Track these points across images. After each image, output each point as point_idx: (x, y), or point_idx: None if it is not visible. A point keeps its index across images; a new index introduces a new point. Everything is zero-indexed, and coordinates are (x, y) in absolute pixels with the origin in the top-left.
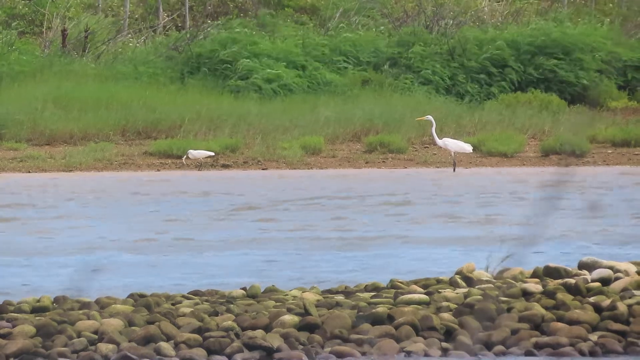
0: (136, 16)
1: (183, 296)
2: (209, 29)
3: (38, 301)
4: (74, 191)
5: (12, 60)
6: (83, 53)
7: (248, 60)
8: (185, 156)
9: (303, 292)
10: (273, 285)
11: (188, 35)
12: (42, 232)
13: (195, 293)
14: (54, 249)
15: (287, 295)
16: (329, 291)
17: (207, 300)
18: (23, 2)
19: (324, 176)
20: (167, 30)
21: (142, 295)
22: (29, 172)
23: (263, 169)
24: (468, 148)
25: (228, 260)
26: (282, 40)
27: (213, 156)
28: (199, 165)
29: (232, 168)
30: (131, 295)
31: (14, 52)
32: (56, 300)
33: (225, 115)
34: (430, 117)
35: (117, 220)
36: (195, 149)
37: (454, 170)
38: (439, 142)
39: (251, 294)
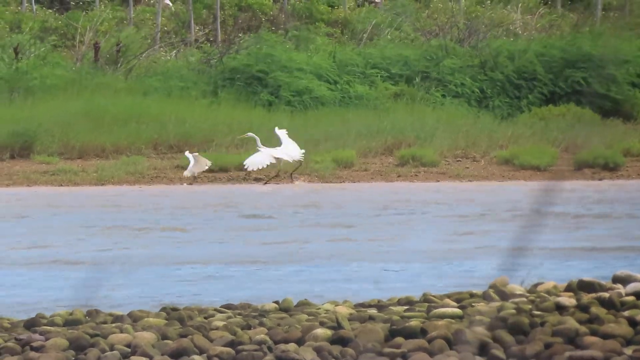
0: (168, 30)
1: (216, 309)
2: (240, 43)
3: (71, 314)
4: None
5: (44, 74)
6: (115, 67)
7: (280, 73)
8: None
9: (336, 305)
10: (306, 299)
11: (220, 49)
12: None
13: (228, 306)
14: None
15: (320, 308)
16: (362, 305)
17: (239, 314)
18: (55, 15)
19: (358, 189)
20: (198, 44)
21: (174, 309)
22: (61, 185)
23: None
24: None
25: (267, 273)
26: (314, 54)
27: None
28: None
29: (263, 181)
30: (164, 309)
31: (46, 65)
32: (89, 313)
33: (257, 128)
34: (251, 134)
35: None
36: (191, 153)
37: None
38: (261, 149)
39: (284, 308)
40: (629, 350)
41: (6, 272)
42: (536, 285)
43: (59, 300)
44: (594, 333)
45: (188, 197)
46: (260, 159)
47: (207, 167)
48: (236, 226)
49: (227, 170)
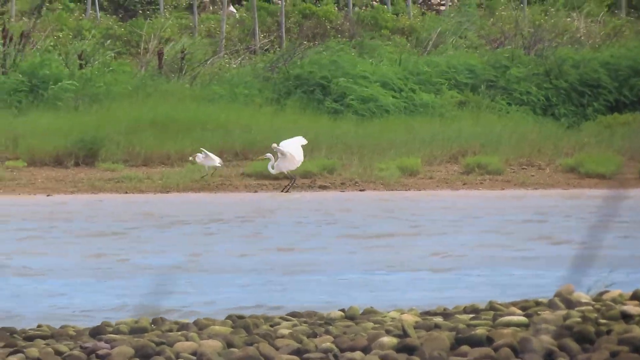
0: (232, 37)
1: (281, 317)
2: (305, 50)
3: (136, 322)
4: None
5: (108, 81)
6: (179, 74)
7: (345, 81)
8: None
9: (402, 313)
10: (371, 307)
11: (285, 57)
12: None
13: (294, 314)
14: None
15: (386, 316)
16: (428, 313)
17: (305, 322)
18: (119, 22)
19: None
20: (263, 52)
21: (240, 317)
22: (126, 192)
23: (360, 190)
24: (297, 159)
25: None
26: (379, 61)
27: (219, 167)
28: (205, 174)
29: (329, 189)
30: (230, 317)
31: (111, 73)
32: (154, 321)
33: (322, 136)
34: (269, 155)
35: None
36: (201, 153)
37: (287, 189)
38: (274, 172)
39: (350, 316)
40: None
41: (74, 280)
42: (602, 293)
43: (125, 307)
44: None
45: (259, 204)
46: (289, 163)
47: (219, 165)
48: (306, 232)
49: (295, 178)
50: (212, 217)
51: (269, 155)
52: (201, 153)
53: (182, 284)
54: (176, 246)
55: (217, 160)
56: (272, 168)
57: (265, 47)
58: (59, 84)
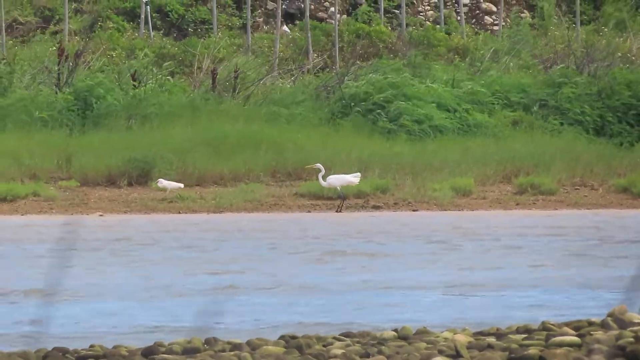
0: (286, 57)
1: (334, 337)
2: (358, 70)
3: (189, 342)
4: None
5: (162, 101)
6: (232, 93)
7: (400, 102)
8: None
9: (454, 333)
10: (424, 327)
11: (338, 76)
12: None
13: (347, 334)
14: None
15: (439, 336)
16: (481, 333)
17: (358, 342)
18: (173, 42)
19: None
20: (317, 71)
21: (293, 337)
22: (179, 212)
23: (414, 210)
24: (354, 180)
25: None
26: (432, 81)
27: (182, 188)
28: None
29: (382, 209)
30: (282, 337)
31: (164, 92)
32: (207, 341)
33: (375, 156)
34: (319, 165)
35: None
36: (166, 179)
37: (340, 209)
38: (324, 183)
39: (402, 336)
40: None
41: (127, 299)
42: None
43: (178, 328)
44: None
45: (315, 223)
46: (342, 179)
47: (178, 188)
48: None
49: (345, 198)
50: (265, 236)
51: (318, 165)
52: (164, 179)
53: (235, 304)
54: (229, 266)
55: (177, 185)
56: (323, 180)
57: (319, 67)
58: (112, 103)
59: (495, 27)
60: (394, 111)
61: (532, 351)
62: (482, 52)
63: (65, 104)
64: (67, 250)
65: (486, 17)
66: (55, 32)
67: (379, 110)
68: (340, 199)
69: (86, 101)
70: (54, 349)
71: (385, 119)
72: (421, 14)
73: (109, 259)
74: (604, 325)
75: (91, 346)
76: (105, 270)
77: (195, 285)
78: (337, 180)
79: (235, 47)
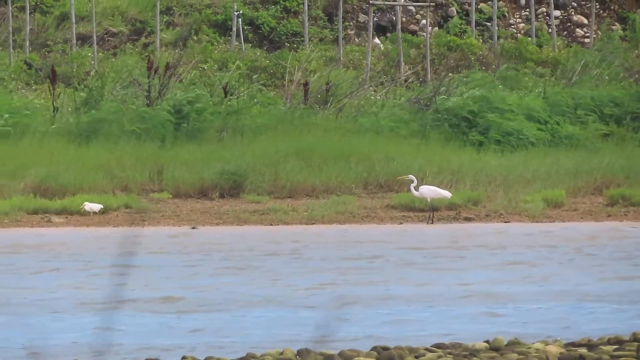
0: (377, 69)
1: (426, 349)
2: (450, 83)
3: (281, 354)
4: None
5: (253, 113)
6: (324, 106)
7: (491, 114)
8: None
9: (546, 344)
10: (516, 338)
11: (431, 89)
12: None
13: (439, 346)
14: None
15: (530, 348)
16: (572, 344)
17: (450, 353)
18: (264, 54)
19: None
20: (408, 84)
21: (385, 348)
22: (271, 224)
23: (505, 222)
24: (446, 194)
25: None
26: (524, 94)
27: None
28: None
29: (474, 221)
30: (374, 348)
31: (256, 105)
32: (299, 353)
33: (466, 168)
34: (411, 177)
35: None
36: (91, 202)
37: (431, 220)
38: (416, 193)
39: (494, 347)
40: None
41: (218, 311)
42: None
43: (268, 339)
44: None
45: (409, 235)
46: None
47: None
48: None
49: (436, 210)
50: (361, 249)
51: (411, 176)
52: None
53: (327, 316)
54: (321, 278)
55: (98, 207)
56: (415, 190)
57: (410, 79)
58: (204, 115)
59: (587, 40)
60: (485, 123)
61: None
62: (573, 64)
63: (158, 117)
64: (211, 261)
65: (577, 29)
66: (147, 45)
67: (469, 122)
68: (430, 211)
69: (178, 113)
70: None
71: (476, 130)
72: (512, 26)
73: (201, 271)
74: None
75: (183, 357)
76: (194, 283)
77: (289, 297)
78: (430, 191)
79: (326, 60)
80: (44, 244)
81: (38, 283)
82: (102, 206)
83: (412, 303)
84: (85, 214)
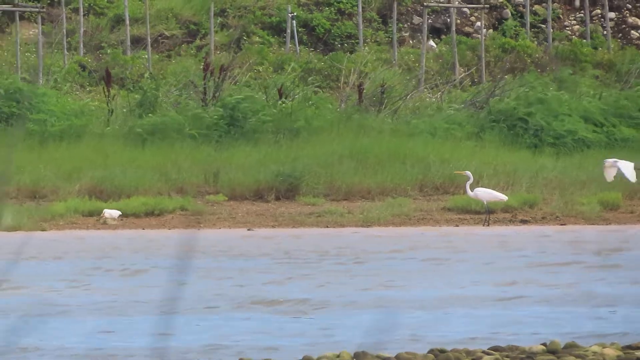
0: (432, 71)
1: (483, 352)
2: (505, 85)
3: (338, 356)
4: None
5: (308, 115)
6: (379, 108)
7: (546, 116)
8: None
9: (603, 347)
10: (573, 341)
11: (487, 91)
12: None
13: (496, 348)
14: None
15: (588, 350)
16: (630, 347)
17: (507, 356)
18: (319, 56)
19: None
20: (463, 86)
21: (442, 351)
22: (327, 227)
23: (561, 225)
24: (502, 197)
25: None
26: (579, 96)
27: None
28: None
29: (530, 223)
30: (431, 351)
31: (311, 107)
32: (356, 355)
33: (521, 170)
34: (468, 173)
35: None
36: (110, 209)
37: (487, 222)
38: (471, 194)
39: (551, 350)
40: None
41: (273, 314)
42: None
43: (328, 341)
44: None
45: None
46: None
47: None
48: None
49: (492, 212)
50: (417, 251)
51: (467, 173)
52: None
53: (386, 319)
54: (381, 279)
55: (117, 213)
56: (471, 190)
57: (465, 81)
58: (260, 117)
59: None
60: (540, 125)
61: None
62: (628, 66)
63: (213, 119)
64: (287, 263)
65: (632, 31)
66: (201, 47)
67: (525, 124)
68: (486, 213)
69: (234, 116)
70: None
71: (531, 133)
72: (567, 28)
73: (257, 272)
74: None
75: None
76: (244, 282)
77: (346, 300)
78: (486, 194)
79: (381, 62)
80: (99, 247)
81: (134, 283)
82: (120, 212)
83: (465, 305)
84: (107, 222)
